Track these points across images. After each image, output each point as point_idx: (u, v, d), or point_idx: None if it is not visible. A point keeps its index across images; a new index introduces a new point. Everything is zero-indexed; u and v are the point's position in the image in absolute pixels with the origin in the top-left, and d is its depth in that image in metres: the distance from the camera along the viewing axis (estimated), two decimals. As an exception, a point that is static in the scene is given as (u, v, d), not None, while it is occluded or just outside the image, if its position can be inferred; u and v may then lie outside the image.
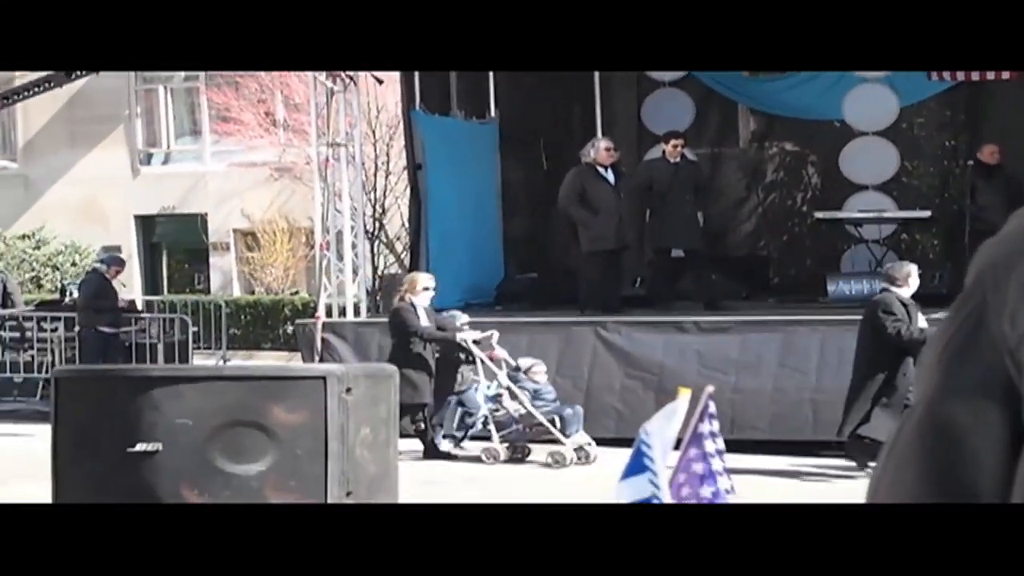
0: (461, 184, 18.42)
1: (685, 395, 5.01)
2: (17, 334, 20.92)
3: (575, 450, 13.99)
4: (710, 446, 5.03)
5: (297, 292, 30.25)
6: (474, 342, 14.57)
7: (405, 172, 20.54)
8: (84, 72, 20.19)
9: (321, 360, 16.16)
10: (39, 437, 13.15)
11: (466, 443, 14.60)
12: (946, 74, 18.28)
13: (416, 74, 18.22)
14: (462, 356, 14.68)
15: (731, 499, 4.96)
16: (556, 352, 15.68)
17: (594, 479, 12.61)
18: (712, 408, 4.96)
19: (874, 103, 18.78)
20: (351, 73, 17.48)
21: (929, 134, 20.21)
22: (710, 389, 4.90)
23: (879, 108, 18.84)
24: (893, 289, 12.86)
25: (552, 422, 14.09)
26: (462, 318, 15.12)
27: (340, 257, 17.51)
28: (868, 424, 12.75)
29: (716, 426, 4.97)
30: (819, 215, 19.14)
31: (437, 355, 14.70)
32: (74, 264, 31.13)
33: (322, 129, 17.70)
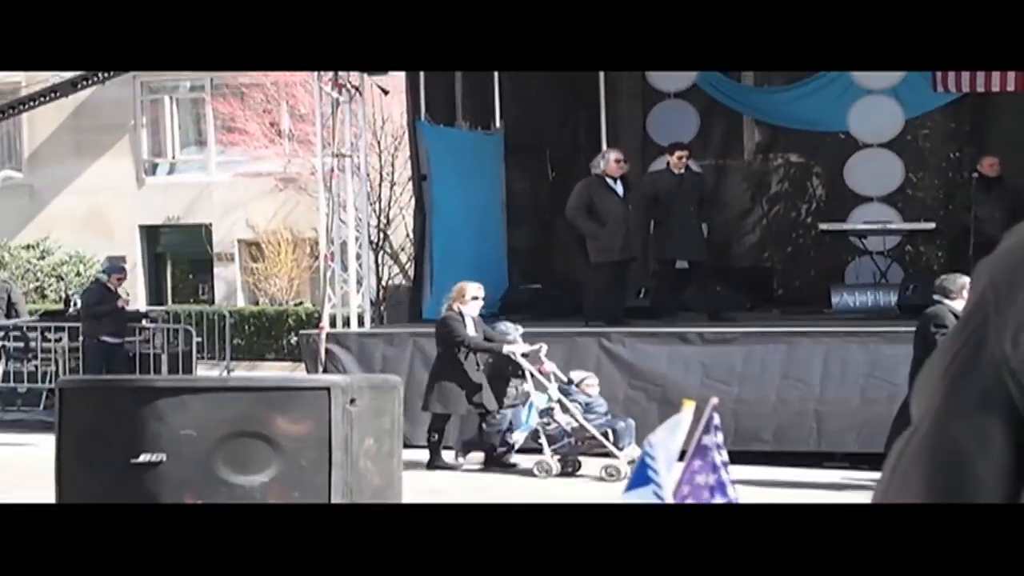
0: (466, 195, 18.43)
1: (689, 407, 5.00)
2: (21, 344, 20.94)
3: (628, 463, 13.86)
4: (715, 458, 5.02)
5: (301, 303, 30.26)
6: (523, 355, 14.46)
7: (410, 183, 20.54)
8: (89, 82, 20.20)
9: (325, 371, 16.16)
10: (43, 447, 13.16)
11: (515, 457, 14.50)
12: (951, 86, 18.29)
13: (421, 85, 18.24)
14: (511, 369, 14.55)
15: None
16: (560, 363, 15.66)
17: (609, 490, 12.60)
18: (717, 420, 4.95)
19: (879, 115, 18.79)
20: (356, 83, 17.50)
21: (933, 146, 20.22)
22: (715, 401, 4.89)
23: (884, 120, 18.85)
24: (946, 302, 12.51)
25: (605, 435, 13.97)
26: (513, 330, 14.94)
27: (344, 268, 17.51)
28: None
29: (720, 438, 4.96)
30: (823, 227, 19.14)
31: (480, 367, 14.54)
32: (79, 274, 31.15)
33: (327, 140, 17.72)
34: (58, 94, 20.88)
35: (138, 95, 33.19)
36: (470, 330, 14.56)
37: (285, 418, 8.12)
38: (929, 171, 20.04)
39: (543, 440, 14.15)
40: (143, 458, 7.99)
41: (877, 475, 1.68)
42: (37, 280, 31.52)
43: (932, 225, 18.44)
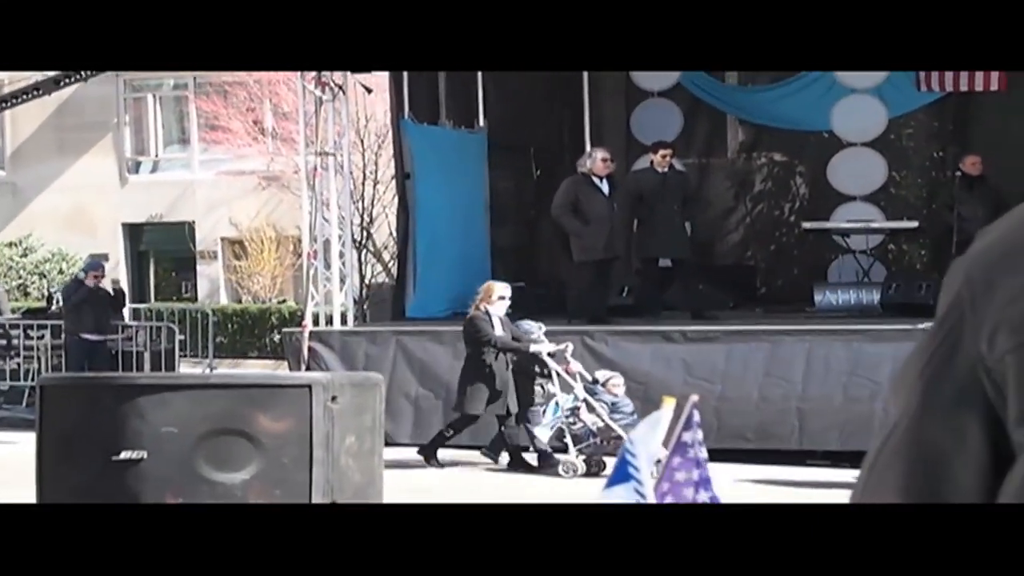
0: (449, 193, 18.42)
1: (669, 404, 5.00)
2: (3, 342, 20.92)
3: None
4: (695, 455, 5.03)
5: (284, 301, 30.24)
6: (549, 354, 14.40)
7: (393, 181, 20.54)
8: (71, 80, 20.16)
9: (308, 369, 16.14)
10: (24, 444, 13.13)
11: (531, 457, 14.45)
12: (934, 85, 18.33)
13: (405, 83, 18.23)
14: (537, 368, 14.48)
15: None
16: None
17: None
18: (696, 417, 4.96)
19: (862, 114, 18.82)
20: (340, 82, 17.48)
21: (917, 145, 20.27)
22: (694, 398, 4.89)
23: (867, 119, 18.89)
24: None
25: None
26: (537, 329, 14.86)
27: (327, 266, 17.50)
28: None
29: (700, 435, 4.96)
30: (807, 225, 19.18)
31: (508, 367, 14.46)
32: (61, 272, 31.10)
33: (310, 138, 17.69)
34: (40, 92, 20.85)
35: (121, 93, 33.14)
36: (497, 330, 14.48)
37: (266, 415, 8.10)
38: (912, 170, 20.09)
39: (568, 440, 14.07)
40: (124, 455, 7.97)
41: (858, 473, 1.68)
42: (20, 278, 31.46)
43: (915, 224, 18.49)
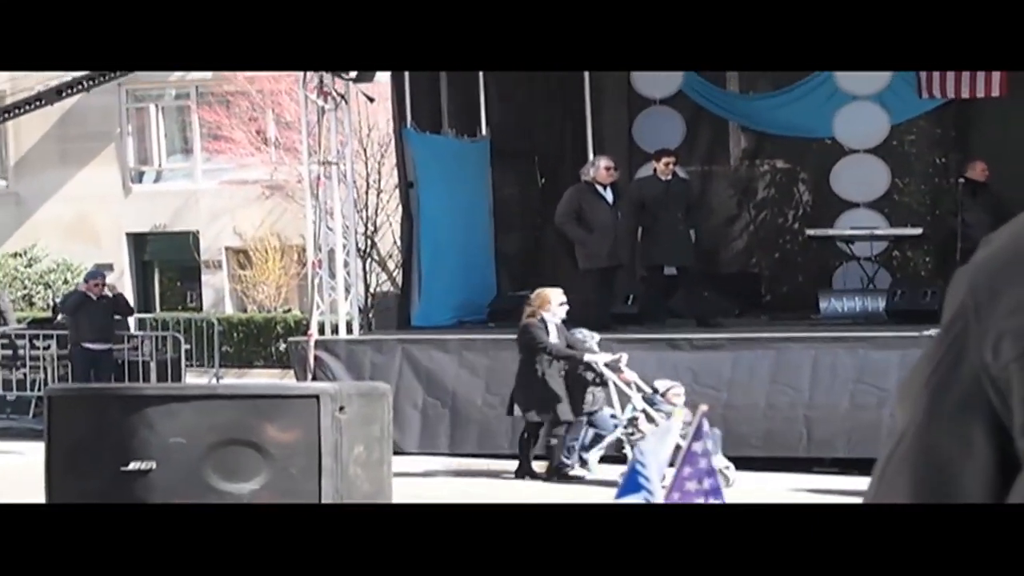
0: (453, 202, 18.43)
1: (679, 415, 5.02)
2: (9, 352, 20.94)
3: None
4: (705, 465, 5.04)
5: (289, 310, 30.23)
6: (605, 365, 14.33)
7: (397, 190, 20.54)
8: (74, 90, 20.17)
9: (314, 378, 16.15)
10: (31, 455, 13.14)
11: (596, 466, 14.39)
12: (936, 92, 18.33)
13: (407, 92, 18.24)
14: (590, 377, 14.39)
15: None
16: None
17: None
18: (706, 427, 4.97)
19: (865, 121, 18.82)
20: (342, 91, 17.49)
21: (920, 151, 20.26)
22: (704, 408, 4.91)
23: (870, 126, 18.88)
24: None
25: None
26: (590, 338, 14.80)
27: (332, 275, 17.51)
28: None
29: (711, 444, 4.98)
30: (810, 232, 19.16)
31: (562, 375, 14.41)
32: (66, 282, 31.08)
33: (313, 147, 17.71)
34: (43, 102, 20.85)
35: (123, 103, 33.14)
36: (553, 337, 14.45)
37: (274, 426, 8.12)
38: (915, 177, 20.08)
39: (628, 450, 13.92)
40: (133, 466, 7.99)
41: (866, 480, 1.69)
42: (25, 288, 31.46)
43: (919, 231, 18.49)
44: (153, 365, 20.64)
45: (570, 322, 16.78)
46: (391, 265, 26.58)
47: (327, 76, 17.11)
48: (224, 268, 32.59)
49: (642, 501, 4.73)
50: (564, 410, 14.24)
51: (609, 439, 14.34)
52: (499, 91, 19.19)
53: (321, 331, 17.14)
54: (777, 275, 20.32)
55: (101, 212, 32.49)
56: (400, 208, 19.47)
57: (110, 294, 20.03)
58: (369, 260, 26.34)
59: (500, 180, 19.50)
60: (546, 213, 18.29)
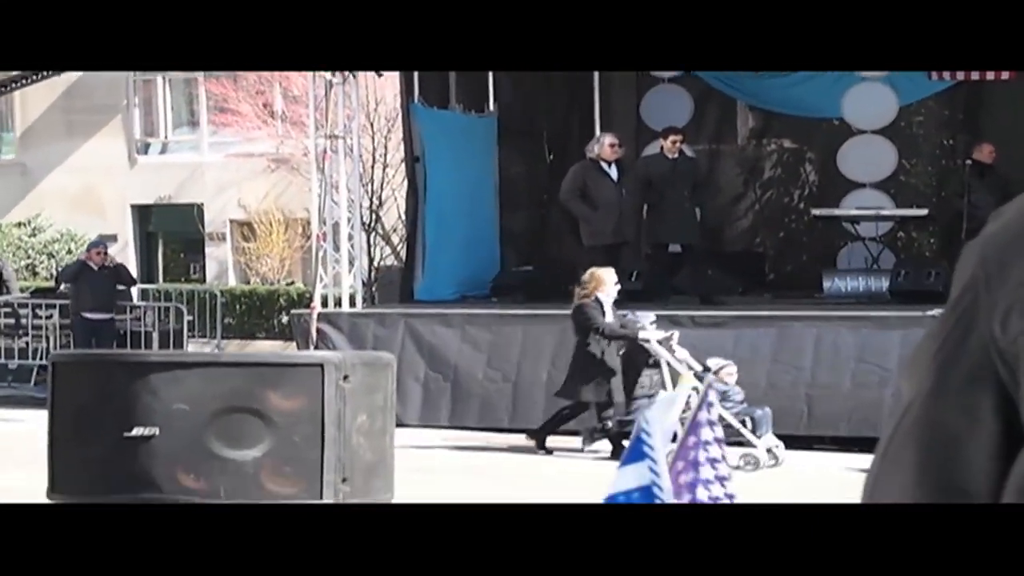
0: (459, 177, 18.43)
1: (685, 384, 5.02)
2: (12, 321, 20.97)
3: (766, 451, 13.70)
4: (707, 434, 5.05)
5: (293, 282, 30.24)
6: (658, 342, 14.24)
7: (403, 165, 20.54)
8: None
9: (316, 349, 16.16)
10: (32, 423, 13.17)
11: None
12: (946, 74, 18.30)
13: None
14: (645, 359, 14.31)
15: (730, 487, 4.98)
16: (551, 345, 15.69)
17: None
18: (711, 396, 4.97)
19: (873, 101, 18.78)
20: (350, 64, 17.48)
21: (927, 133, 20.23)
22: (711, 377, 4.91)
23: (878, 106, 18.85)
24: None
25: (743, 423, 13.69)
26: (644, 318, 14.67)
27: (336, 248, 17.51)
28: None
29: (715, 414, 4.98)
30: (816, 212, 19.16)
31: (618, 355, 14.34)
32: (69, 252, 31.10)
33: (320, 121, 17.71)
34: (50, 72, 20.84)
35: (130, 75, 33.11)
36: (608, 317, 14.36)
37: (278, 393, 8.13)
38: (922, 158, 20.05)
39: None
40: (136, 432, 8.00)
41: (868, 458, 1.68)
42: (28, 257, 31.49)
43: (925, 212, 18.49)
44: (155, 335, 20.67)
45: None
46: (395, 239, 26.60)
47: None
48: (228, 240, 32.61)
49: (646, 469, 4.72)
50: (617, 391, 14.21)
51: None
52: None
53: (324, 304, 17.16)
54: (782, 254, 20.31)
55: (106, 183, 32.50)
56: (406, 182, 19.46)
57: (111, 264, 20.02)
58: (373, 234, 26.35)
59: (507, 157, 19.48)
60: (553, 191, 18.28)
